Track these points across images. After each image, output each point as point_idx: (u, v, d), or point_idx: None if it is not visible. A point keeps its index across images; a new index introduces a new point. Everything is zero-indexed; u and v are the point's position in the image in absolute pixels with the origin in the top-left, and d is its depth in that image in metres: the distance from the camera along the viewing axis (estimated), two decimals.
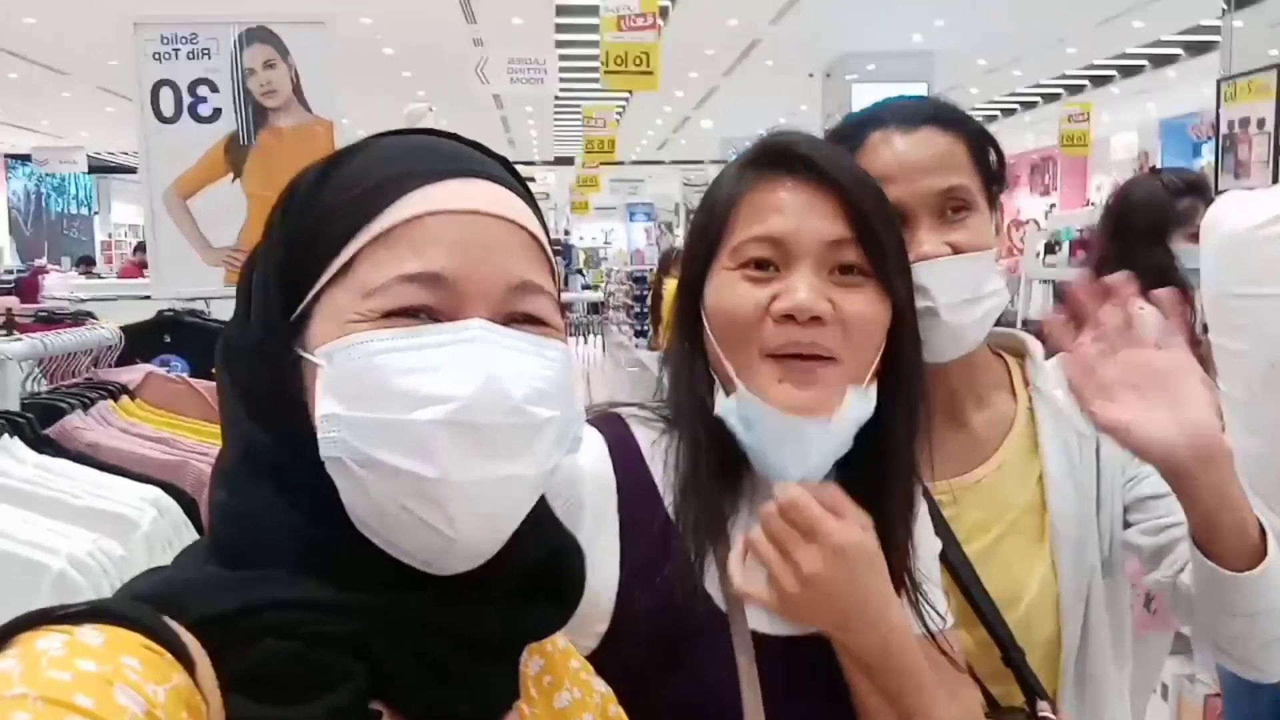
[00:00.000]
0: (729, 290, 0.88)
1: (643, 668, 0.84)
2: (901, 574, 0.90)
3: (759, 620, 0.87)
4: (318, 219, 0.63)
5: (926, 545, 0.97)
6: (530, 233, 0.65)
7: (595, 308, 14.44)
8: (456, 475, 0.58)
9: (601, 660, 0.81)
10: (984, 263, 1.06)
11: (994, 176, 1.10)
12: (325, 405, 0.59)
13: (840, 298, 0.86)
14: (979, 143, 1.09)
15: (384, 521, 0.59)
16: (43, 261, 15.48)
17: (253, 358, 0.63)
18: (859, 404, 0.86)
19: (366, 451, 0.58)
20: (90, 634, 0.50)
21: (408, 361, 0.59)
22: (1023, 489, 1.13)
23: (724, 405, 0.88)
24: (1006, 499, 1.12)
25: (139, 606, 0.53)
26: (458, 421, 0.58)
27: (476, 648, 0.62)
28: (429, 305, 0.60)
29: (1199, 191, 2.58)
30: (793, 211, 0.87)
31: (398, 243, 0.61)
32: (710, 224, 0.91)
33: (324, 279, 0.62)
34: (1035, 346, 1.20)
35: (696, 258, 0.92)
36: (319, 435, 0.59)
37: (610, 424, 0.93)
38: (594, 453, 0.89)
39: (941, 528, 1.05)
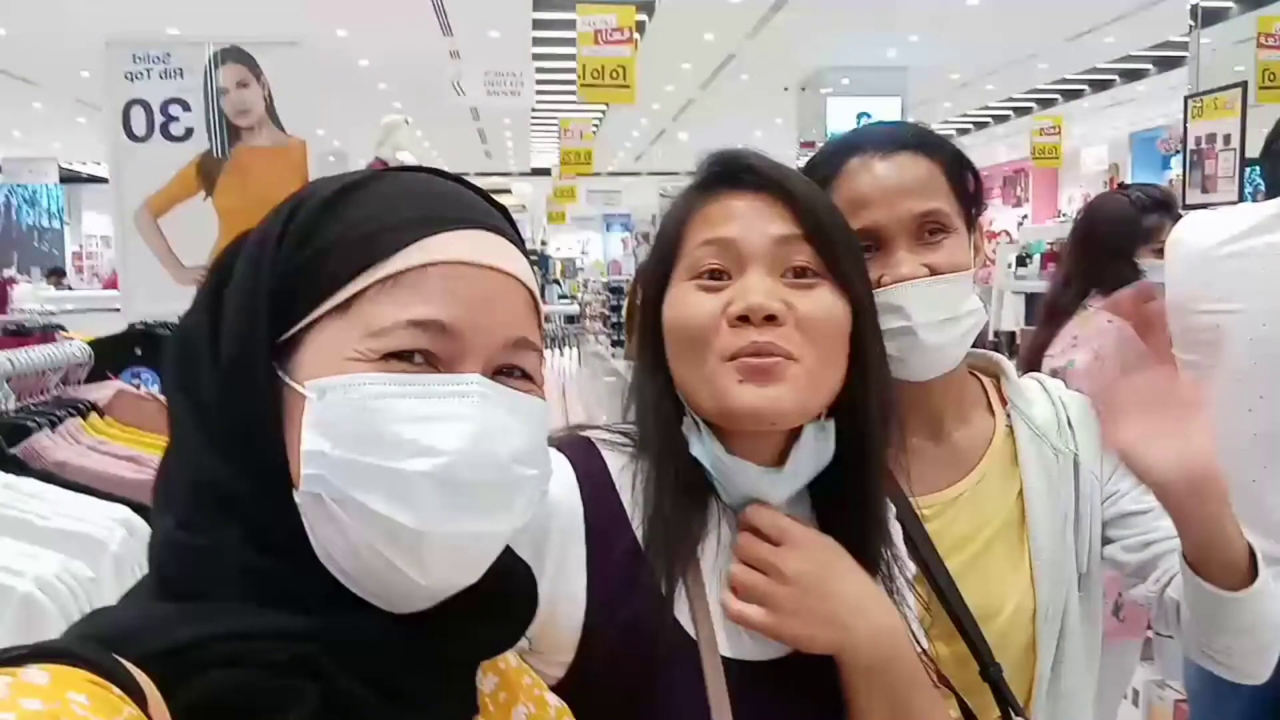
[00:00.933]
0: (683, 301, 0.88)
1: (612, 696, 0.83)
2: (878, 582, 0.91)
3: (732, 646, 0.87)
4: (323, 247, 0.62)
5: (903, 564, 0.97)
6: (529, 289, 0.67)
7: (572, 318, 14.44)
8: (437, 527, 0.58)
9: (570, 689, 0.81)
10: (962, 283, 1.07)
11: (971, 199, 1.11)
12: (311, 441, 0.59)
13: (795, 298, 0.85)
14: (956, 166, 1.10)
15: (352, 560, 0.59)
16: (11, 272, 15.31)
17: (225, 374, 0.61)
18: (818, 445, 0.88)
19: (349, 493, 0.58)
20: (35, 674, 0.49)
21: (405, 409, 0.59)
22: (1003, 503, 1.14)
23: (701, 450, 0.89)
24: (987, 513, 1.13)
25: (85, 644, 0.53)
26: (446, 476, 0.58)
27: (431, 667, 0.62)
28: (427, 350, 0.61)
29: (1166, 208, 2.62)
30: (742, 217, 0.88)
31: (406, 287, 0.61)
32: (664, 242, 0.92)
33: (322, 309, 0.61)
34: (1009, 366, 1.21)
35: (654, 276, 0.92)
36: (302, 471, 0.59)
37: (578, 449, 0.92)
38: (562, 480, 0.88)
39: (924, 541, 1.06)
